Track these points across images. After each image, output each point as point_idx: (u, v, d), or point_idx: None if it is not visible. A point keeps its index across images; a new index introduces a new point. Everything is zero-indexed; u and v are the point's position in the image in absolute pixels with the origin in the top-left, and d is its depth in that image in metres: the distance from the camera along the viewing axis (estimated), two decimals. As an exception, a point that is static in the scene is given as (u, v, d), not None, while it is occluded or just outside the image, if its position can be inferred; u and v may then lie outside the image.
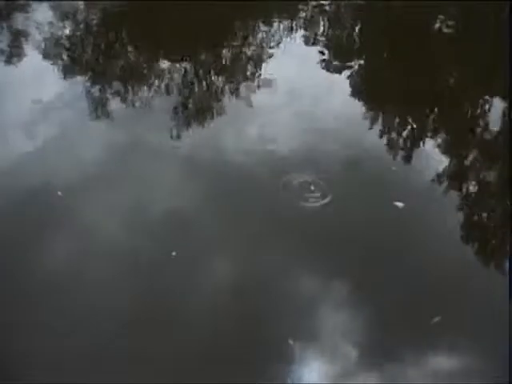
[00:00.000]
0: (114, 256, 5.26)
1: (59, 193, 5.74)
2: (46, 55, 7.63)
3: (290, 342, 4.72)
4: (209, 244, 5.36)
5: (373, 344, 4.73)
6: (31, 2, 8.49)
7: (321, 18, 8.54)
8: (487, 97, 7.22)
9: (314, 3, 8.73)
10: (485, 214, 5.96)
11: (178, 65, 7.50)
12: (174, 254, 5.26)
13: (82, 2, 8.53)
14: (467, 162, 6.42)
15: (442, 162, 6.30)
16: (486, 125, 6.82)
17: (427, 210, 5.74)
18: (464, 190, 6.09)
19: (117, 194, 5.78)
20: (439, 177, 6.13)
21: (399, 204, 5.70)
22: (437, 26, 8.34)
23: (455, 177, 6.18)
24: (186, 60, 7.57)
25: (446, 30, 8.26)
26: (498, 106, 7.09)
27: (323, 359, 4.68)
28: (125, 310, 4.84)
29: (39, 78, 7.15)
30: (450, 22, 8.35)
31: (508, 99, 6.98)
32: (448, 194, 5.98)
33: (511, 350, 4.57)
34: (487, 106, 7.11)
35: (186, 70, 7.45)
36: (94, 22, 8.28)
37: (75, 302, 4.90)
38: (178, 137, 6.51)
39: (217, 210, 5.65)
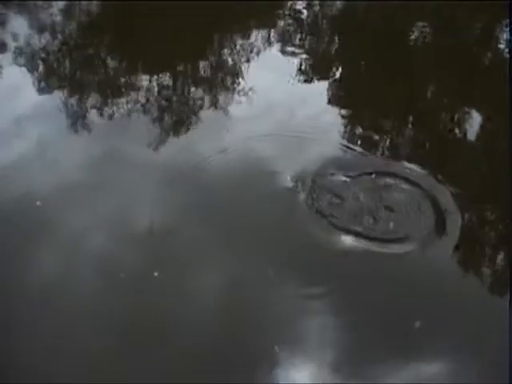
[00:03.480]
0: (94, 267, 5.23)
1: (38, 202, 5.70)
2: (22, 67, 7.59)
3: (276, 348, 4.71)
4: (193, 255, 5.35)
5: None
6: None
7: (298, 28, 8.60)
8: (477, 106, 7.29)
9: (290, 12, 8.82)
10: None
11: (155, 76, 7.50)
12: (156, 274, 5.23)
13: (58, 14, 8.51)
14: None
15: (421, 169, 6.33)
16: (473, 134, 6.90)
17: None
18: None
19: (97, 203, 5.78)
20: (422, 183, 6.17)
21: None
22: (417, 33, 8.45)
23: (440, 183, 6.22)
24: (164, 72, 7.58)
25: (427, 37, 8.36)
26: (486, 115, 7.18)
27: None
28: (104, 327, 4.82)
29: (16, 90, 7.13)
30: (431, 29, 8.46)
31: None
32: (434, 200, 6.01)
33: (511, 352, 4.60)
34: (475, 115, 7.16)
35: (164, 82, 7.45)
36: (72, 34, 8.27)
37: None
38: (157, 148, 6.49)
39: (198, 221, 5.64)
